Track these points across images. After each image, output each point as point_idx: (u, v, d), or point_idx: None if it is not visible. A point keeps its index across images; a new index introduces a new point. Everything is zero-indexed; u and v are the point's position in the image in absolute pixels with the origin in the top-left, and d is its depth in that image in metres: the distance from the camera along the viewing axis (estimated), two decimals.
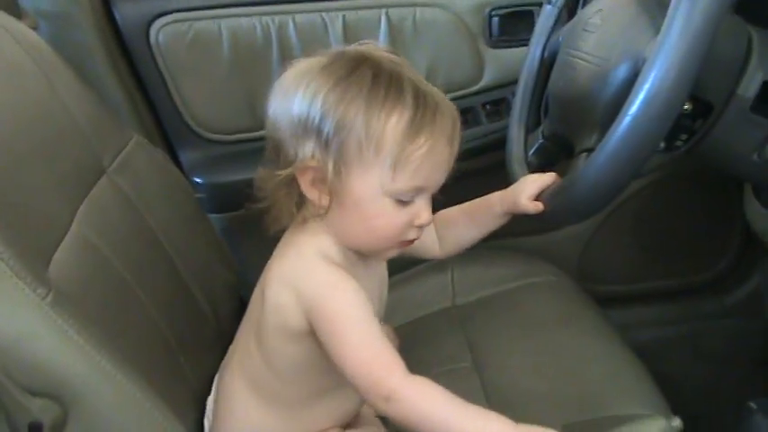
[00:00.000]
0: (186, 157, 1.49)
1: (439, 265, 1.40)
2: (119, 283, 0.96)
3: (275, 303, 0.92)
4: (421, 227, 0.91)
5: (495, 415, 0.85)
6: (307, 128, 0.86)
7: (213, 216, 1.44)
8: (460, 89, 1.52)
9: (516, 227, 1.08)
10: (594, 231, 1.55)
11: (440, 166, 0.88)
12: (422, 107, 0.86)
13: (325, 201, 0.88)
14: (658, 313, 1.57)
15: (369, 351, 0.86)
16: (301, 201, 0.92)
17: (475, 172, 1.45)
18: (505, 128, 1.26)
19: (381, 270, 1.04)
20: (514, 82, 1.30)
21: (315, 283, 0.89)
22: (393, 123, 0.84)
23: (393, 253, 0.95)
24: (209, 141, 1.49)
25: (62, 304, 0.80)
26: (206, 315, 1.16)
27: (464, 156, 1.45)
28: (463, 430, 0.84)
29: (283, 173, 0.88)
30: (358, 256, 0.95)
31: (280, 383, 0.97)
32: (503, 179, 1.14)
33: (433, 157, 0.86)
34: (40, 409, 0.78)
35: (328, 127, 0.85)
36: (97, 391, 0.81)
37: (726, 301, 1.56)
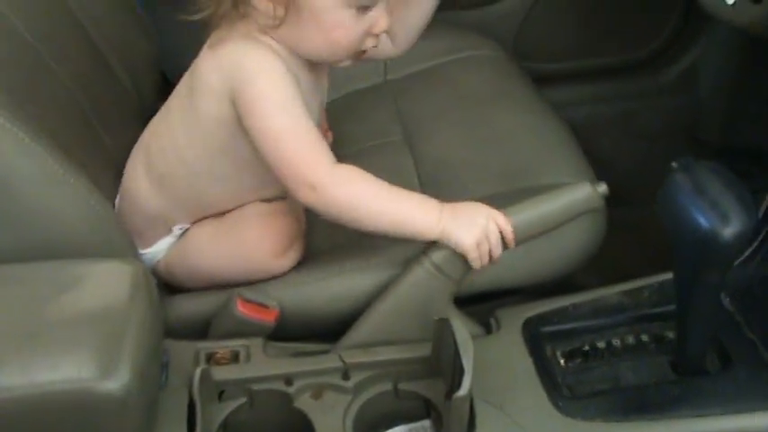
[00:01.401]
0: None
1: None
2: (28, 54, 0.92)
3: (204, 88, 0.91)
4: (378, 35, 0.89)
5: (421, 196, 0.88)
6: None
7: None
8: None
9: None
10: (532, 6, 1.50)
11: None
12: None
13: (280, 12, 0.86)
14: (593, 91, 1.56)
15: (293, 141, 0.87)
16: (247, 13, 0.88)
17: None
18: None
19: (325, 79, 1.01)
20: None
21: (244, 66, 0.88)
22: None
23: (347, 63, 0.93)
24: None
25: None
26: (126, 88, 1.12)
27: None
28: (390, 211, 0.87)
29: None
30: (304, 62, 0.93)
31: (184, 171, 0.97)
32: None
33: None
34: None
35: None
36: (8, 157, 0.79)
37: (660, 78, 1.55)
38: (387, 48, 1.06)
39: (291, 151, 0.87)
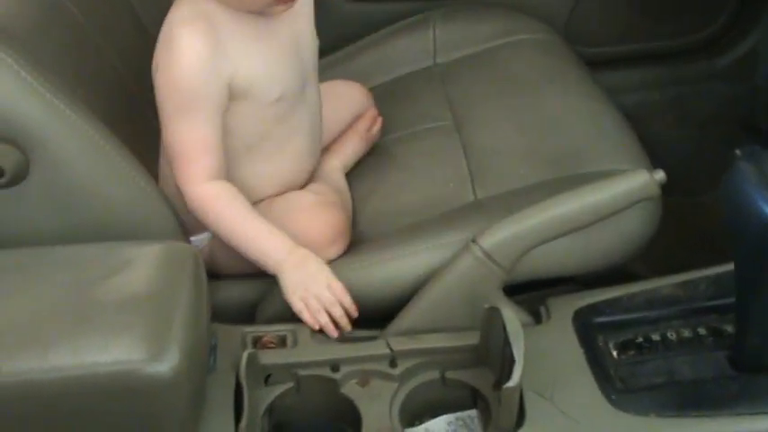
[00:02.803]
0: None
1: (420, 22, 1.33)
2: (74, 29, 0.92)
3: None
4: None
5: (279, 235, 0.91)
6: None
7: None
8: None
9: None
10: None
11: None
12: None
13: None
14: (646, 76, 1.51)
15: (179, 144, 0.90)
16: None
17: None
18: None
19: (293, 26, 0.97)
20: None
21: (159, 46, 0.89)
22: None
23: (274, 10, 0.90)
24: None
25: (11, 47, 0.77)
26: None
27: None
28: (242, 238, 0.91)
29: None
30: (252, 17, 0.91)
31: None
32: None
33: None
34: (1, 155, 0.77)
35: None
36: (58, 137, 0.79)
37: (717, 63, 1.50)
38: None
39: (176, 152, 0.90)
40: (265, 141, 0.97)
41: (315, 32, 1.02)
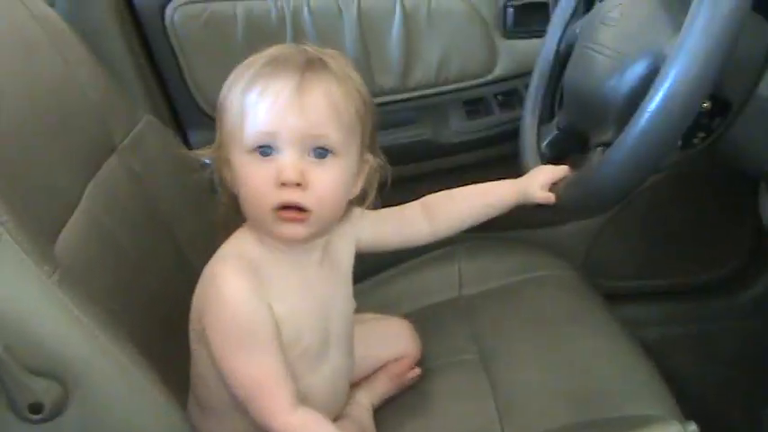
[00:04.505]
0: (196, 137, 1.48)
1: (446, 255, 1.38)
2: (125, 263, 0.96)
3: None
4: (287, 184, 0.85)
5: None
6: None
7: None
8: (474, 78, 1.50)
9: (524, 218, 1.07)
10: (603, 225, 1.53)
11: (285, 110, 0.85)
12: (268, 65, 0.88)
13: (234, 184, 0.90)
14: (666, 311, 1.55)
15: (252, 379, 0.87)
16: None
17: (486, 162, 1.45)
18: (517, 119, 1.25)
19: (317, 255, 0.96)
20: (528, 73, 1.29)
21: (206, 288, 0.90)
22: (240, 88, 0.88)
23: (284, 229, 0.88)
24: None
25: (68, 283, 0.79)
26: None
27: (476, 145, 1.47)
28: None
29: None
30: (280, 248, 0.92)
31: (202, 386, 0.97)
32: (514, 170, 1.12)
33: (270, 98, 0.85)
34: (42, 390, 0.77)
35: (218, 112, 0.92)
36: (100, 374, 0.80)
37: (735, 301, 1.54)
38: (419, 238, 1.08)
39: (252, 389, 0.88)
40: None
41: (351, 299, 1.02)
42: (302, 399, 0.92)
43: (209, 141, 1.45)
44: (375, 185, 0.96)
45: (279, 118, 0.85)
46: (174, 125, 1.46)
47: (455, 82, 1.48)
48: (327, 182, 0.87)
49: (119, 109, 1.12)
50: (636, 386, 1.07)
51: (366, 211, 1.01)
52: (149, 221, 1.08)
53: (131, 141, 1.11)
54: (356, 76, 0.91)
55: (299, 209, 0.86)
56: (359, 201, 0.97)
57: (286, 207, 0.86)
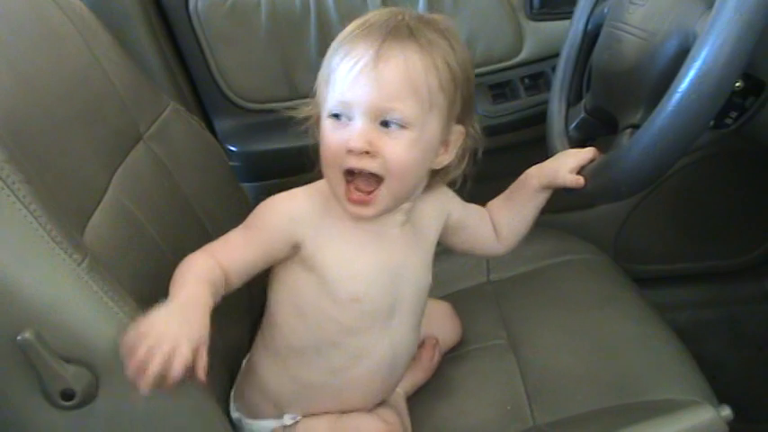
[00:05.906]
0: (221, 125, 1.48)
1: None
2: (152, 250, 0.96)
3: None
4: (352, 151, 0.86)
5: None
6: None
7: (246, 185, 1.44)
8: (500, 62, 1.49)
9: (552, 203, 1.06)
10: (632, 209, 1.51)
11: (359, 79, 0.85)
12: (357, 28, 0.88)
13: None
14: (695, 295, 1.53)
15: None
16: None
17: (514, 146, 1.44)
18: (545, 102, 1.23)
19: (400, 217, 0.96)
20: (554, 56, 1.27)
21: None
22: (332, 49, 0.89)
23: (352, 209, 0.89)
24: (245, 110, 1.49)
25: (97, 270, 0.79)
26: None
27: (503, 129, 1.46)
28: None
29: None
30: (347, 216, 0.92)
31: (276, 332, 0.98)
32: (542, 153, 1.11)
33: (349, 64, 0.85)
34: (73, 377, 0.77)
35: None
36: None
37: (766, 284, 1.52)
38: (492, 245, 1.08)
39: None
40: (335, 350, 0.95)
41: (428, 271, 1.03)
42: (359, 356, 0.95)
43: (234, 127, 1.48)
44: (466, 156, 0.97)
45: (353, 86, 0.86)
46: (200, 113, 1.46)
47: (481, 66, 1.46)
48: (399, 152, 0.86)
49: (144, 97, 1.12)
50: (668, 370, 1.06)
51: (456, 196, 1.03)
52: (175, 209, 1.08)
53: (157, 129, 1.11)
54: (445, 46, 0.89)
55: (370, 176, 0.87)
56: (446, 172, 0.97)
57: (352, 173, 0.88)
